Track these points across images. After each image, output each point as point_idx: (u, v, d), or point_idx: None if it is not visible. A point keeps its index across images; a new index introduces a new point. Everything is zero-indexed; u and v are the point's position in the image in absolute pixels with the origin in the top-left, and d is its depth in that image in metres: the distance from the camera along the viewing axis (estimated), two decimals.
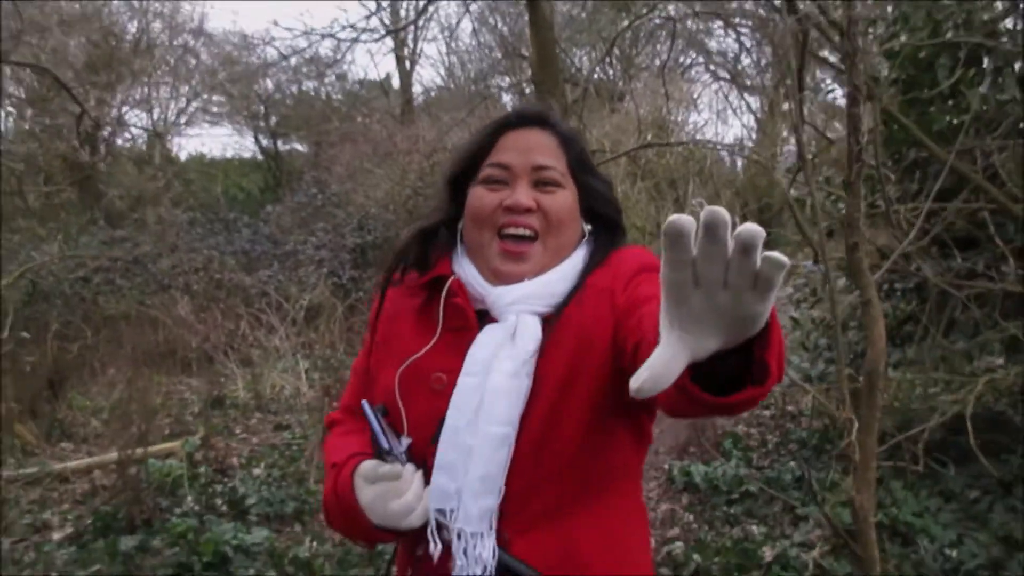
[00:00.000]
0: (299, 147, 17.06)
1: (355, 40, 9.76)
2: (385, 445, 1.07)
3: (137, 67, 13.57)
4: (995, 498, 3.54)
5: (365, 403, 1.12)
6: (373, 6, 15.00)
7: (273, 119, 16.76)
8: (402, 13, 14.91)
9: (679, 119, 13.62)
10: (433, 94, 16.52)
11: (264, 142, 17.22)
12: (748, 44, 12.98)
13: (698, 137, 13.23)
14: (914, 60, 3.95)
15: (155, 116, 15.37)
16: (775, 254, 0.60)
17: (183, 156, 16.65)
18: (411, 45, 15.67)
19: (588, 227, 1.20)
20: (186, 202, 13.36)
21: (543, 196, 1.15)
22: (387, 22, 14.76)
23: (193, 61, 15.50)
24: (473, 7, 12.66)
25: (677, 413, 0.85)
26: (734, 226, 0.60)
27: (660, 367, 0.64)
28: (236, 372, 7.55)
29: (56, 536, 3.78)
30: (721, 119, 9.53)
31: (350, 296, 9.28)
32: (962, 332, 3.94)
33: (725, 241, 0.60)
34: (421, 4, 13.00)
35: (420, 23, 14.51)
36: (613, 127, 12.06)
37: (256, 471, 4.41)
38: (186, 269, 9.01)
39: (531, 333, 1.08)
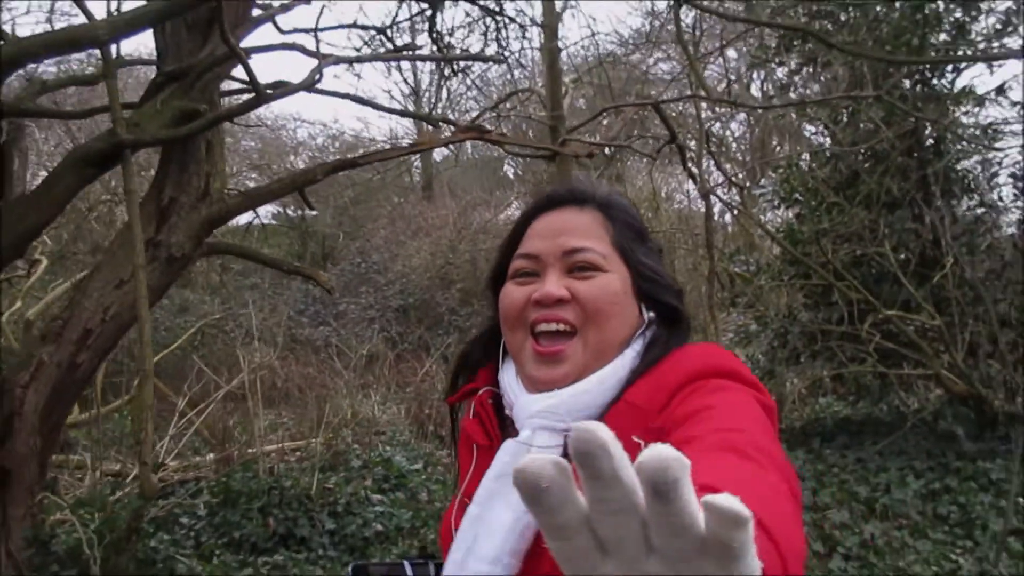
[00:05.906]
0: (314, 212, 20.12)
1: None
2: None
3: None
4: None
5: (406, 563, 1.19)
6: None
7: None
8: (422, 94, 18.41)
9: (668, 193, 16.91)
10: (447, 171, 19.81)
11: (289, 212, 20.41)
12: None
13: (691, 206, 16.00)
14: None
15: None
16: (722, 500, 0.37)
17: None
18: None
19: (651, 314, 1.08)
20: (231, 268, 16.55)
21: (578, 283, 1.04)
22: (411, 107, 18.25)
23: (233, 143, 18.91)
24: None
25: None
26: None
27: None
28: (313, 405, 10.59)
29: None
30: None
31: (398, 347, 12.38)
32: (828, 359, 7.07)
33: (617, 479, 0.38)
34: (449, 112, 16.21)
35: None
36: None
37: (387, 448, 7.44)
38: (270, 324, 12.11)
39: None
